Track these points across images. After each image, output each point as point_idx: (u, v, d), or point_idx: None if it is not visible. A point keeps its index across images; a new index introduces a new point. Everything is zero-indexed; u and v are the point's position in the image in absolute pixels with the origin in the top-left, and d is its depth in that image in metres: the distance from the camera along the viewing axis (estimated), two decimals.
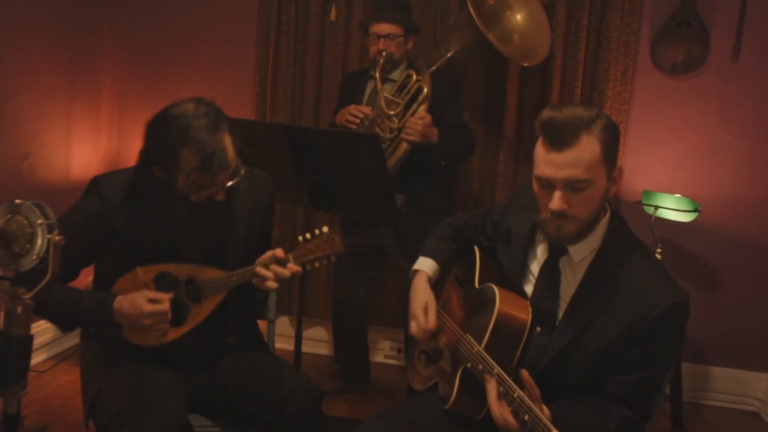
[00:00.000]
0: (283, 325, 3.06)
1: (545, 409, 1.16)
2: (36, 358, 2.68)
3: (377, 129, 2.35)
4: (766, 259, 2.75)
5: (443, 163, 2.42)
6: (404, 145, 2.30)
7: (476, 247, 1.54)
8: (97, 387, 1.47)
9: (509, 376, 1.23)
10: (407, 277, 1.58)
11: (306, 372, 1.70)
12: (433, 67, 2.42)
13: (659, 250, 2.50)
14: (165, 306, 1.43)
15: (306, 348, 2.67)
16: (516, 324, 1.32)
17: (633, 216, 2.43)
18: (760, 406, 2.82)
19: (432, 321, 1.43)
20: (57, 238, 1.16)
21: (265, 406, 1.47)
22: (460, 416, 1.38)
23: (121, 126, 3.16)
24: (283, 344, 2.85)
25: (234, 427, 1.55)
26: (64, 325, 1.51)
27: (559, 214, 1.22)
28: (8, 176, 2.52)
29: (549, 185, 1.23)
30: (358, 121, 2.38)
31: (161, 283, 1.48)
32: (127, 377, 1.46)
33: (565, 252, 1.31)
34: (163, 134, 1.39)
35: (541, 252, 1.37)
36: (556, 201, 1.21)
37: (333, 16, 2.87)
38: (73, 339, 2.77)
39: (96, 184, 1.49)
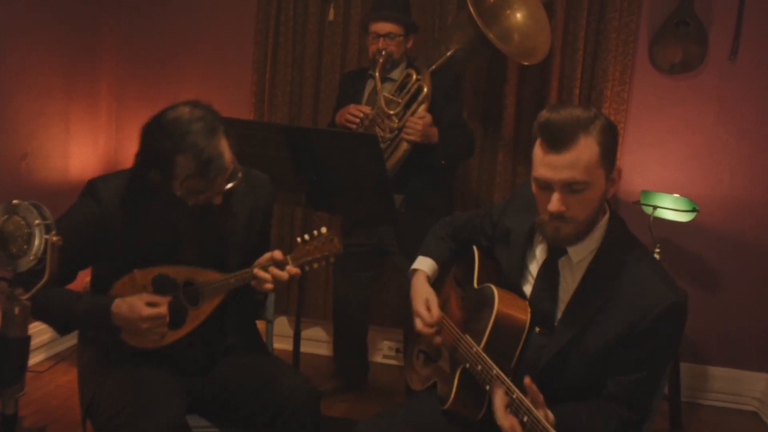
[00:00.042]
0: (282, 325, 3.06)
1: (550, 414, 1.16)
2: (34, 359, 2.68)
3: (377, 128, 2.35)
4: (764, 259, 2.76)
5: (443, 162, 2.42)
6: (404, 145, 2.30)
7: (475, 247, 1.54)
8: (95, 388, 1.47)
9: (508, 376, 1.24)
10: (406, 276, 1.58)
11: (304, 372, 1.70)
12: (433, 66, 2.42)
13: (658, 250, 2.50)
14: (163, 310, 1.42)
15: (305, 348, 2.66)
16: (515, 324, 1.32)
17: (631, 216, 2.43)
18: (758, 406, 2.83)
19: (436, 313, 1.43)
20: (54, 238, 1.16)
21: (263, 407, 1.47)
22: (458, 416, 1.37)
23: (120, 126, 3.16)
24: (282, 344, 2.85)
25: (232, 428, 1.54)
26: (62, 328, 1.50)
27: (557, 216, 1.22)
28: (6, 176, 2.51)
29: (547, 187, 1.22)
30: (358, 120, 2.38)
31: (159, 285, 1.48)
32: (125, 378, 1.45)
33: (564, 252, 1.31)
34: (158, 140, 1.38)
35: (539, 252, 1.37)
36: (555, 203, 1.21)
37: (331, 16, 2.87)
38: (71, 339, 2.76)
39: (92, 186, 1.48)
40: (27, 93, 2.59)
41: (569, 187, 1.20)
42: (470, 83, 2.83)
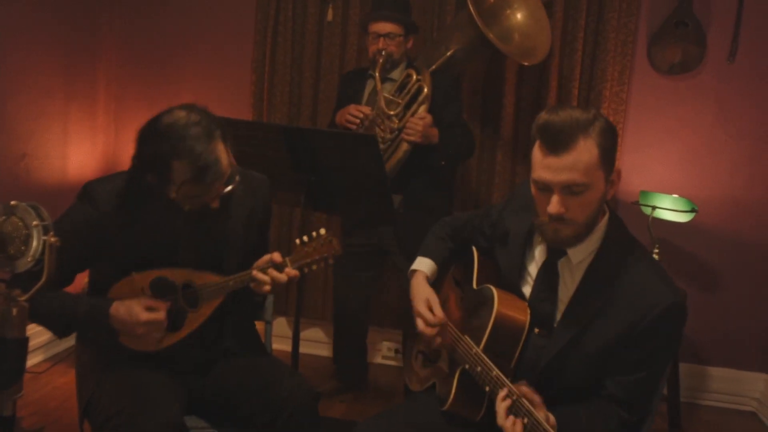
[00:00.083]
0: (281, 326, 3.05)
1: (550, 417, 1.16)
2: (32, 360, 2.67)
3: (377, 129, 2.34)
4: (763, 259, 2.76)
5: (443, 163, 2.42)
6: (404, 146, 2.30)
7: (474, 248, 1.54)
8: (93, 388, 1.47)
9: (507, 377, 1.23)
10: (406, 277, 1.58)
11: (303, 373, 1.69)
12: (433, 67, 2.42)
13: (656, 251, 2.50)
14: (161, 315, 1.42)
15: (304, 349, 2.66)
16: (514, 325, 1.32)
17: (630, 216, 2.43)
18: (757, 406, 2.83)
19: (439, 313, 1.43)
20: (52, 239, 1.15)
21: (262, 408, 1.47)
22: (457, 417, 1.37)
23: (118, 126, 3.15)
24: (281, 345, 2.85)
25: (231, 429, 1.54)
26: (60, 331, 1.50)
27: (557, 218, 1.22)
28: (5, 177, 2.51)
29: (547, 189, 1.22)
30: (358, 121, 2.37)
31: (157, 288, 1.47)
32: (123, 379, 1.45)
33: (564, 254, 1.31)
34: (154, 145, 1.36)
35: (539, 253, 1.36)
36: (554, 205, 1.21)
37: (330, 16, 2.86)
38: (69, 341, 2.75)
39: (88, 190, 1.47)
40: (26, 93, 2.59)
41: (569, 189, 1.20)
42: (469, 83, 2.83)
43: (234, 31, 3.02)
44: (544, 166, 1.21)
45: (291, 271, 1.49)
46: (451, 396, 1.35)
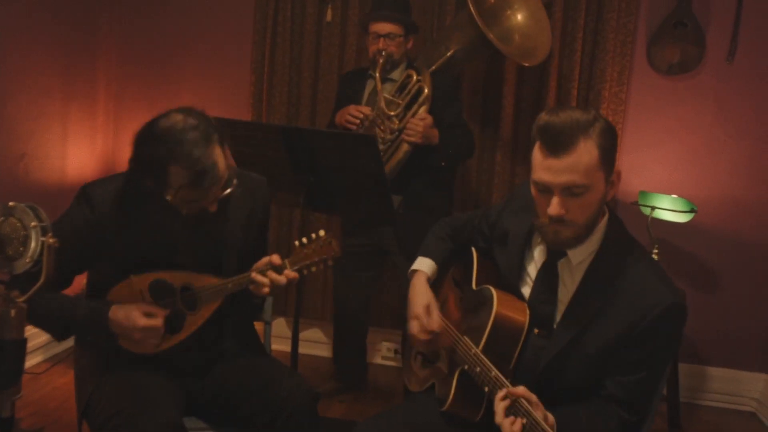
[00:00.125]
0: (280, 326, 3.05)
1: (550, 416, 1.16)
2: (32, 361, 2.67)
3: (377, 130, 2.34)
4: (762, 260, 2.76)
5: (443, 163, 2.42)
6: (405, 146, 2.29)
7: (473, 249, 1.54)
8: (91, 389, 1.47)
9: (507, 378, 1.23)
10: (405, 277, 1.58)
11: (303, 373, 1.69)
12: (433, 67, 2.41)
13: (656, 251, 2.50)
14: (158, 322, 1.42)
15: (303, 349, 2.66)
16: (513, 326, 1.32)
17: (629, 217, 2.42)
18: (756, 406, 2.83)
19: (436, 321, 1.43)
20: (51, 240, 1.15)
21: (261, 408, 1.47)
22: (457, 418, 1.37)
23: (118, 127, 3.15)
24: (280, 346, 2.85)
25: (231, 430, 1.54)
26: (58, 334, 1.49)
27: (557, 220, 1.22)
28: (4, 177, 2.51)
29: (547, 190, 1.22)
30: (358, 121, 2.37)
31: (156, 291, 1.47)
32: (122, 380, 1.45)
33: (564, 254, 1.30)
34: (151, 149, 1.35)
35: (538, 254, 1.36)
36: (555, 206, 1.21)
37: (329, 16, 2.86)
38: (68, 341, 2.75)
39: (86, 192, 1.46)
40: (25, 93, 2.59)
41: (569, 191, 1.20)
42: (469, 83, 2.83)
43: (233, 31, 3.01)
44: (544, 167, 1.21)
45: (290, 273, 1.49)
46: (450, 396, 1.34)
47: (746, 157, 2.74)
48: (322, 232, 1.52)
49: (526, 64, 2.55)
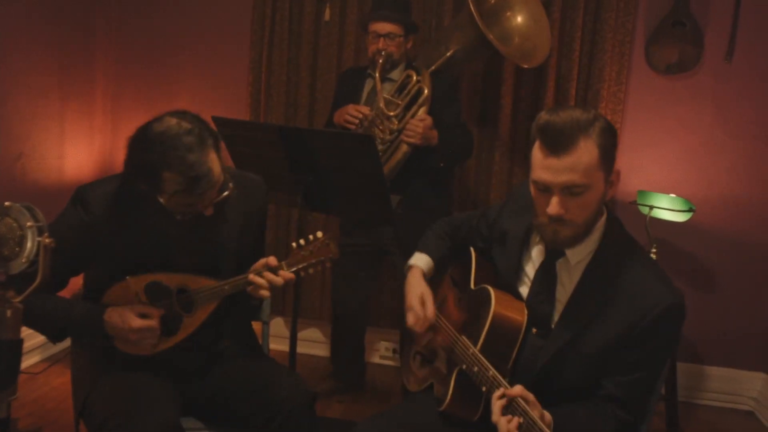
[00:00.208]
0: (278, 326, 3.05)
1: (547, 415, 1.16)
2: (29, 361, 2.67)
3: (376, 130, 2.33)
4: (760, 259, 2.76)
5: (442, 164, 2.42)
6: (404, 147, 2.28)
7: (472, 249, 1.54)
8: (89, 390, 1.46)
9: (505, 377, 1.23)
10: (402, 272, 1.57)
11: (301, 373, 1.69)
12: (433, 67, 2.41)
13: (654, 250, 2.50)
14: (154, 323, 1.41)
15: (301, 349, 2.65)
16: (511, 325, 1.32)
17: (628, 216, 2.43)
18: (754, 405, 2.83)
19: (430, 310, 1.42)
20: (47, 240, 1.15)
21: (259, 409, 1.47)
22: (455, 418, 1.37)
23: (115, 127, 3.14)
24: (279, 345, 2.85)
25: (228, 430, 1.53)
26: (54, 335, 1.49)
27: (556, 219, 1.22)
28: (1, 177, 2.50)
29: (546, 189, 1.22)
30: (357, 121, 2.36)
31: (152, 292, 1.46)
32: (119, 381, 1.45)
33: (562, 254, 1.30)
34: (145, 154, 1.33)
35: (536, 254, 1.36)
36: (554, 206, 1.20)
37: (327, 16, 2.86)
38: (66, 341, 2.75)
39: (81, 195, 1.45)
40: (23, 93, 2.58)
41: (569, 190, 1.20)
42: (467, 84, 2.83)
43: (231, 30, 3.01)
44: (544, 166, 1.21)
45: (286, 273, 1.47)
46: (449, 396, 1.34)
47: (744, 156, 2.74)
48: (319, 234, 1.51)
49: (525, 66, 2.55)
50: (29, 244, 1.14)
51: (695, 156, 2.77)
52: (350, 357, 2.74)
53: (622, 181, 2.77)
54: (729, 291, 2.80)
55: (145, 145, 1.33)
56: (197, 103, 3.01)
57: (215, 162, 1.36)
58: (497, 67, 2.78)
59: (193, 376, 1.54)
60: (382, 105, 2.30)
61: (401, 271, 2.14)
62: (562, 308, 1.31)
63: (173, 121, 1.35)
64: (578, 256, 1.30)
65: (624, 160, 2.78)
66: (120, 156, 1.41)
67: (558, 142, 1.18)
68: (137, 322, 1.39)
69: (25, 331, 1.29)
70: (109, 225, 1.43)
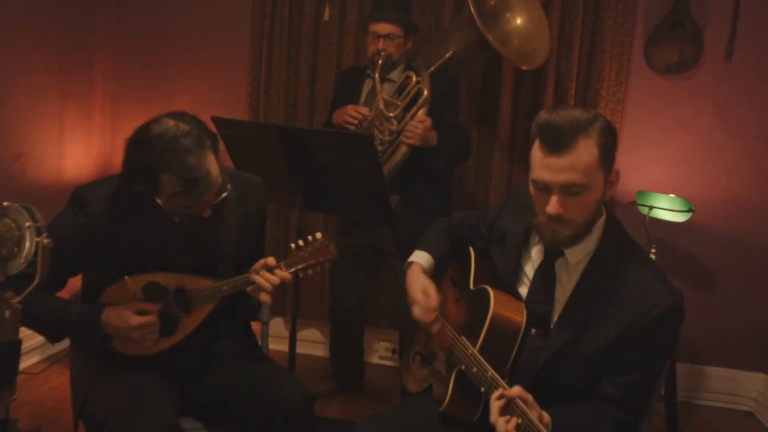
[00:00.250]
0: (278, 326, 3.05)
1: (545, 415, 1.16)
2: (28, 361, 2.66)
3: (376, 131, 2.33)
4: (760, 259, 2.76)
5: (441, 165, 2.41)
6: (403, 148, 2.28)
7: (471, 249, 1.54)
8: (88, 391, 1.46)
9: (503, 378, 1.23)
10: (402, 270, 1.57)
11: (300, 373, 1.69)
12: (432, 68, 2.41)
13: (653, 251, 2.50)
14: (153, 318, 1.41)
15: (300, 349, 2.65)
16: (510, 326, 1.32)
17: (627, 216, 2.43)
18: (754, 406, 2.83)
19: (434, 298, 1.42)
20: (45, 241, 1.15)
21: (258, 410, 1.47)
22: (454, 418, 1.37)
23: (115, 127, 3.14)
24: (278, 345, 2.84)
25: (227, 431, 1.53)
26: (52, 336, 1.48)
27: (555, 218, 1.22)
28: (0, 177, 2.50)
29: (546, 189, 1.22)
30: (356, 122, 2.36)
31: (150, 293, 1.46)
32: (118, 381, 1.44)
33: (561, 254, 1.30)
34: (142, 155, 1.32)
35: (535, 254, 1.36)
36: (553, 205, 1.20)
37: (327, 16, 2.86)
38: (65, 341, 2.75)
39: (79, 196, 1.45)
40: (22, 93, 2.58)
41: (568, 190, 1.20)
42: (466, 84, 2.82)
43: (230, 31, 3.01)
44: (543, 166, 1.21)
45: (282, 273, 1.46)
46: (448, 397, 1.34)
47: (744, 156, 2.74)
48: (318, 235, 1.50)
49: (524, 68, 2.55)
50: (28, 245, 1.14)
51: (695, 156, 2.77)
52: (349, 357, 2.73)
53: (621, 181, 2.77)
54: (729, 291, 2.79)
55: (142, 146, 1.33)
56: (197, 103, 3.01)
57: (213, 164, 1.36)
58: (496, 67, 2.77)
59: (192, 377, 1.54)
60: (381, 106, 2.30)
61: (400, 272, 2.14)
62: (561, 308, 1.31)
63: (171, 122, 1.34)
64: (577, 256, 1.29)
65: (624, 160, 2.78)
66: (119, 156, 1.40)
67: (558, 141, 1.18)
68: (136, 320, 1.39)
69: (24, 332, 1.29)
70: (107, 225, 1.43)
